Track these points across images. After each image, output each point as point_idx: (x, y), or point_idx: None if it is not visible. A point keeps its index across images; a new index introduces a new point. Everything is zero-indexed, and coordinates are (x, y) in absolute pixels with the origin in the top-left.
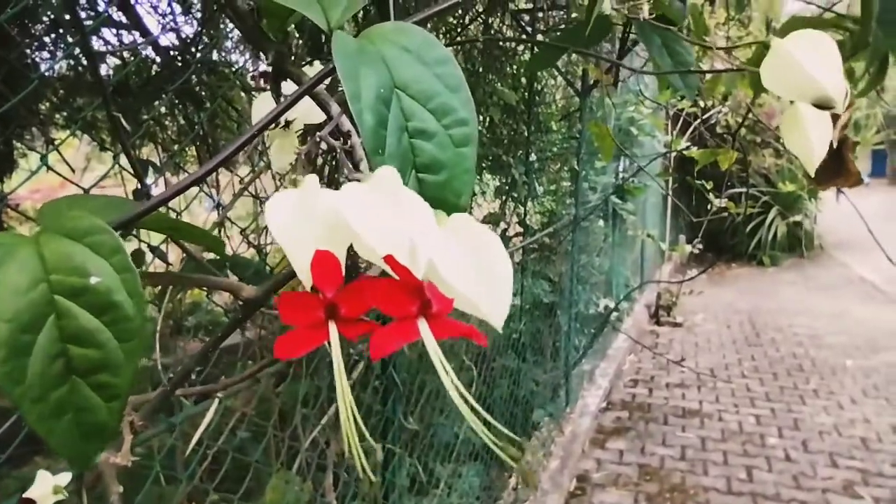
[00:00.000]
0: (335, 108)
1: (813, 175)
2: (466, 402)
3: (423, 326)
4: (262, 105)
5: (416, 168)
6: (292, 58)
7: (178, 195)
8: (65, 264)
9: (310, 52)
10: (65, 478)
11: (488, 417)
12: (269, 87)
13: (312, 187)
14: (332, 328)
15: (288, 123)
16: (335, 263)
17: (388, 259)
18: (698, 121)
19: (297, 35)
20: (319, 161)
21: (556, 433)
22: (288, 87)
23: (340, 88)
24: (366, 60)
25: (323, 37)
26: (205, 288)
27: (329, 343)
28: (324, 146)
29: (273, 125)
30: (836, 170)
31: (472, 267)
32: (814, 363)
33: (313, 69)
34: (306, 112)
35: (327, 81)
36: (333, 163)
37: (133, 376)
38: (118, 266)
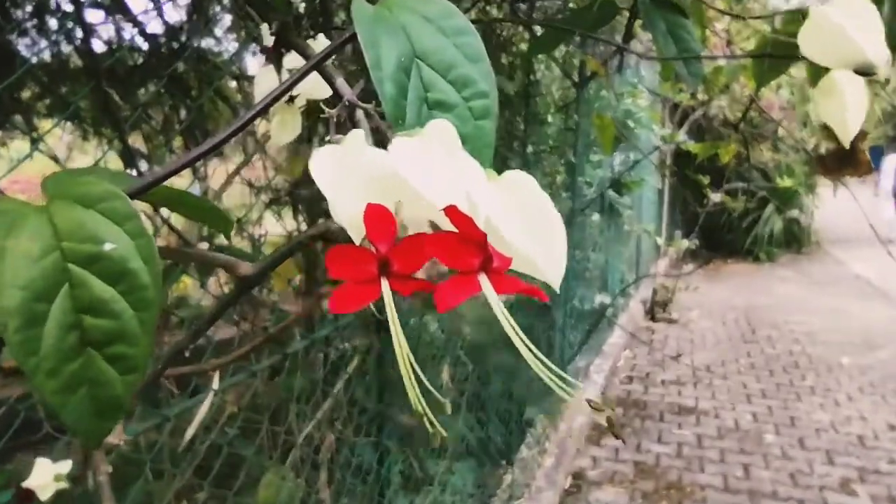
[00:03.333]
0: (340, 82)
1: (847, 141)
2: (528, 346)
3: (484, 281)
4: (265, 78)
5: None
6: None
7: (189, 166)
8: (77, 231)
9: (310, 27)
10: (65, 466)
11: (549, 363)
12: (271, 61)
13: (358, 142)
14: (385, 285)
15: (292, 98)
16: (389, 217)
17: (450, 210)
18: (697, 113)
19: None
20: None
21: (551, 430)
22: (291, 60)
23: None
24: (385, 29)
25: (321, 14)
26: (199, 264)
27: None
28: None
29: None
30: (847, 159)
31: (528, 224)
32: (810, 360)
33: (315, 43)
34: (311, 87)
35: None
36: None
37: (150, 347)
38: (132, 232)
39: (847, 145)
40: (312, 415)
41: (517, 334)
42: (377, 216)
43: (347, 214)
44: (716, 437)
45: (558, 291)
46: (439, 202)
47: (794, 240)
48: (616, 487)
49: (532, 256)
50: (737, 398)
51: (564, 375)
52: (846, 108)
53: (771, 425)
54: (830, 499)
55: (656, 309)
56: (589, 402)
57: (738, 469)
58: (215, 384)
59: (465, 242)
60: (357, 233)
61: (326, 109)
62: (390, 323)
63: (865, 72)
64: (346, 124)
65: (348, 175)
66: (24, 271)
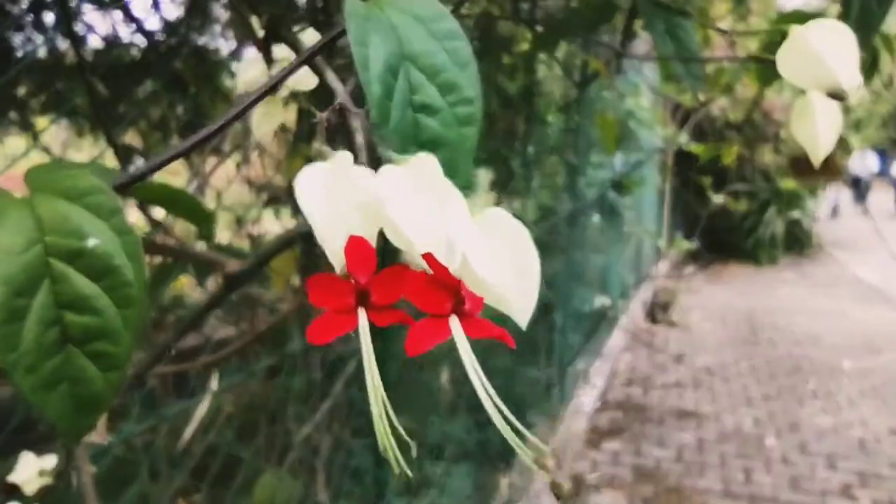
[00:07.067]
0: (331, 76)
1: (817, 165)
2: (494, 403)
3: (455, 325)
4: (249, 67)
5: (417, 144)
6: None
7: (175, 159)
8: (61, 226)
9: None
10: (50, 461)
11: (514, 420)
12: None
13: (345, 165)
14: (362, 315)
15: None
16: (369, 250)
17: (427, 257)
18: (699, 114)
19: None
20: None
21: (550, 434)
22: (279, 51)
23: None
24: (375, 27)
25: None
26: (192, 262)
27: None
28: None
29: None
30: (821, 165)
31: (503, 262)
32: (812, 363)
33: (305, 36)
34: (296, 78)
35: None
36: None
37: (132, 345)
38: (117, 228)
39: (817, 163)
40: (310, 417)
41: (483, 386)
42: (358, 248)
43: (331, 242)
44: (716, 441)
45: (524, 328)
46: (420, 245)
47: (796, 242)
48: (615, 492)
49: (504, 294)
50: (738, 402)
51: (527, 434)
52: (818, 130)
53: (772, 429)
54: None
55: (657, 311)
56: (542, 465)
57: (738, 473)
58: (213, 385)
59: (440, 287)
60: (339, 261)
61: (317, 113)
62: (364, 354)
63: (837, 96)
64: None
65: (334, 200)
66: (4, 265)
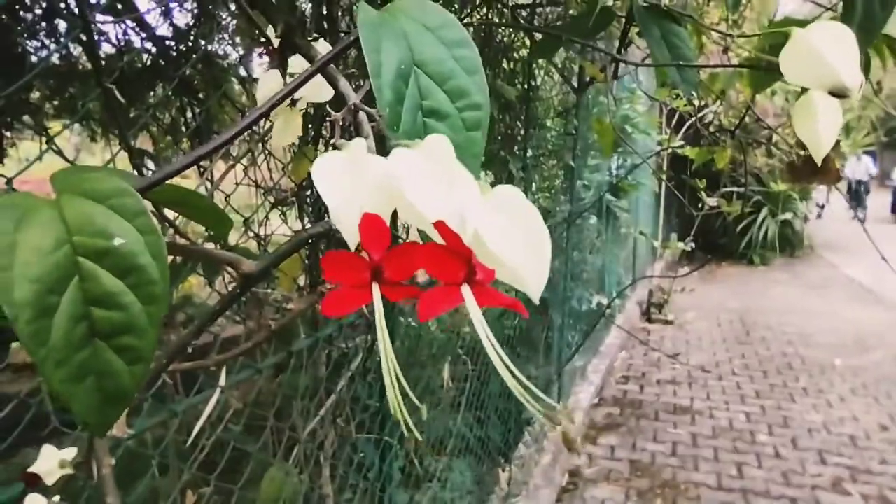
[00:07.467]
0: (343, 84)
1: (819, 163)
2: (509, 370)
3: (467, 293)
4: (268, 81)
5: None
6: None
7: (193, 165)
8: (88, 226)
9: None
10: (70, 452)
11: (530, 386)
12: (274, 63)
13: (360, 150)
14: (376, 290)
15: (294, 101)
16: (383, 226)
17: (439, 225)
18: (693, 119)
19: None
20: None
21: (548, 429)
22: (295, 63)
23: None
24: (388, 34)
25: (324, 13)
26: (205, 262)
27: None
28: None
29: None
30: (817, 167)
31: (515, 238)
32: (803, 362)
33: (318, 46)
34: (312, 90)
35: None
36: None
37: (156, 340)
38: (142, 228)
39: (819, 161)
40: (316, 412)
41: (494, 349)
42: (372, 225)
43: (347, 221)
44: (710, 436)
45: (537, 303)
46: (432, 216)
47: (788, 243)
48: (612, 485)
49: (517, 269)
50: (731, 398)
51: (539, 393)
52: (820, 127)
53: (764, 425)
54: (822, 498)
55: (652, 310)
56: (548, 416)
57: (731, 468)
58: (222, 381)
59: (452, 256)
60: (353, 239)
61: (332, 113)
62: (377, 327)
63: (840, 94)
64: (351, 128)
65: (349, 183)
66: (35, 264)
